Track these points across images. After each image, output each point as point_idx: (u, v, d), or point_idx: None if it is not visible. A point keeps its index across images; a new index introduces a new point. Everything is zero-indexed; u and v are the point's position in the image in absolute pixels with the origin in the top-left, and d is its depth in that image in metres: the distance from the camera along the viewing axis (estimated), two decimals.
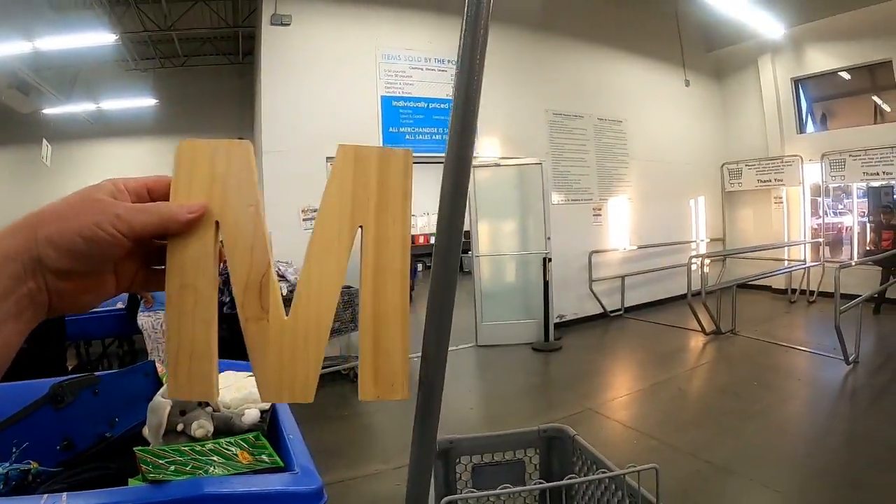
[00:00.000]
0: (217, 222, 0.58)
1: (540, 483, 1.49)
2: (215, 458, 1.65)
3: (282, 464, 1.67)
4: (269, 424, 1.95)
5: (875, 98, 9.22)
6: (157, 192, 0.59)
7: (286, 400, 0.60)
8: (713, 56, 11.03)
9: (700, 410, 5.14)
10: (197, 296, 0.57)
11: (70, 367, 5.78)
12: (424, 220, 16.87)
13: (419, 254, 16.12)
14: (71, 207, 0.52)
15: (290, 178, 6.29)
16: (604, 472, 1.51)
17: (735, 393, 5.39)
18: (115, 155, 12.12)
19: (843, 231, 9.94)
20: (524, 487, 1.67)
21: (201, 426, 1.73)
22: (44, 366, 3.09)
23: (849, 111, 9.63)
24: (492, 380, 6.51)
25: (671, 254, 9.86)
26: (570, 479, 1.51)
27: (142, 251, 0.60)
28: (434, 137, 7.04)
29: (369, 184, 0.59)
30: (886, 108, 9.08)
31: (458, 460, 1.93)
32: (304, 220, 6.53)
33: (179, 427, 1.76)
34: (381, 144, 6.61)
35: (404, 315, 0.60)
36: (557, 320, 7.85)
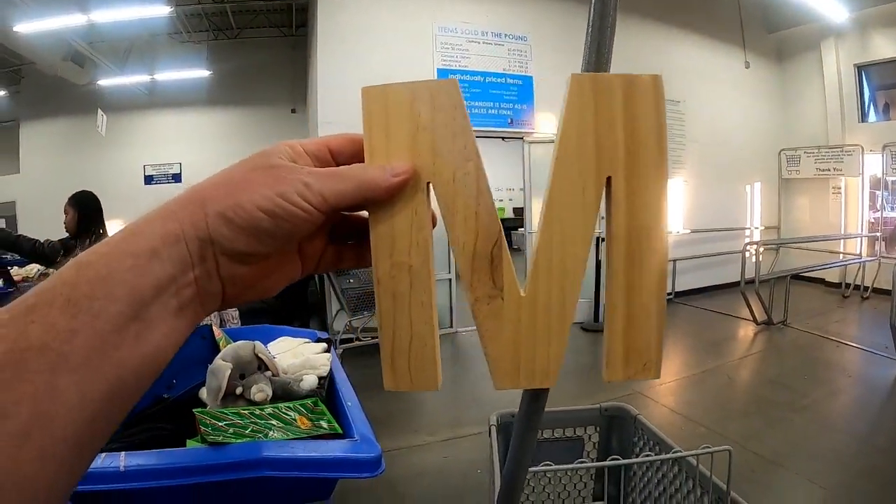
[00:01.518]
0: (428, 184, 0.48)
1: (615, 459, 1.46)
2: (274, 422, 1.67)
3: (340, 431, 1.69)
4: (327, 391, 1.96)
5: None
6: (343, 154, 0.51)
7: (524, 386, 0.52)
8: (774, 38, 10.62)
9: (749, 400, 5.05)
10: (412, 275, 0.49)
11: None
12: None
13: None
14: (245, 177, 0.43)
15: None
16: (677, 452, 1.46)
17: (784, 385, 5.27)
18: (169, 124, 12.38)
19: None
20: (602, 463, 1.65)
21: (261, 390, 1.75)
22: None
23: None
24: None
25: (724, 240, 9.66)
26: (645, 456, 1.49)
27: (329, 224, 0.52)
28: (490, 112, 7.01)
29: (615, 122, 0.47)
30: None
31: None
32: None
33: (238, 390, 1.78)
34: None
35: (662, 283, 0.50)
36: None
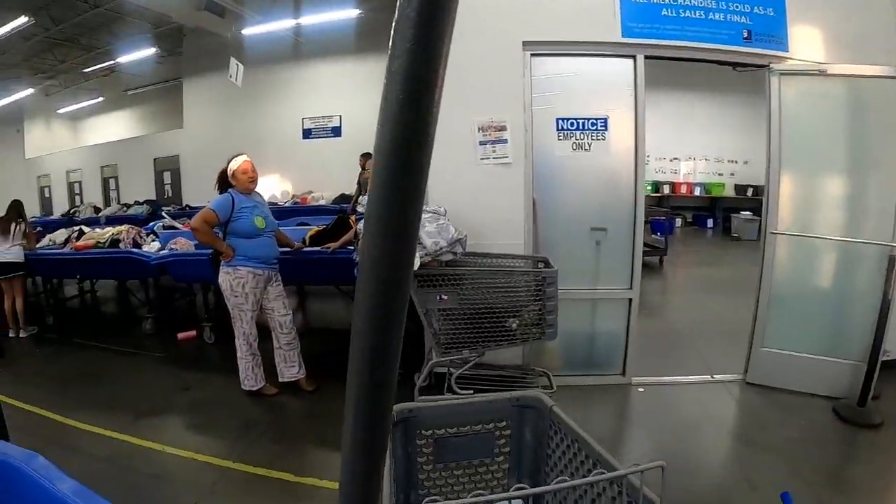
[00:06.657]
0: None
1: (522, 488, 1.24)
2: None
3: None
4: None
5: None
6: None
7: None
8: None
9: None
10: None
11: None
12: (690, 165, 13.05)
13: (679, 206, 13.15)
14: None
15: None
16: (606, 473, 1.29)
17: None
18: (324, 74, 12.06)
19: None
20: (510, 494, 1.27)
21: None
22: None
23: None
24: (759, 463, 3.31)
25: None
26: (559, 482, 1.25)
27: None
28: (711, 17, 4.11)
29: None
30: None
31: (419, 432, 1.78)
32: (480, 143, 4.21)
33: None
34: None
35: None
36: (884, 358, 4.07)
